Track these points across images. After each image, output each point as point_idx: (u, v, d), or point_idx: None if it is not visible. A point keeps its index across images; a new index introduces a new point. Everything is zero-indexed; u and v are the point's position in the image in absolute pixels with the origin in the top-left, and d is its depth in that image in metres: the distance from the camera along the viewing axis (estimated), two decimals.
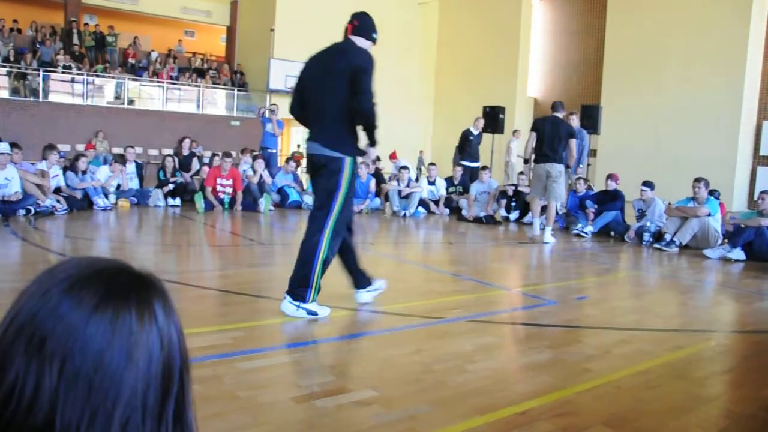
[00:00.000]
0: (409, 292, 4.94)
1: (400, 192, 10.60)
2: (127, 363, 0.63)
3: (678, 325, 4.32)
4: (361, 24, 3.91)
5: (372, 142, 3.89)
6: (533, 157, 8.22)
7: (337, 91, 3.71)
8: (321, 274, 3.75)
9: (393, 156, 13.68)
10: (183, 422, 0.68)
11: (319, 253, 3.72)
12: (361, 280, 4.15)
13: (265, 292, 4.50)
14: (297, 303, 3.71)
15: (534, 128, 8.13)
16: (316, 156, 3.83)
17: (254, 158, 10.78)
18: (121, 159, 9.84)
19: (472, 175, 11.31)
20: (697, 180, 7.96)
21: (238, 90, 22.00)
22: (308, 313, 3.71)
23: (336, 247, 3.86)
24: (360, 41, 3.88)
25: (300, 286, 3.72)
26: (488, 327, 3.90)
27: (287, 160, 11.40)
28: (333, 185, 3.76)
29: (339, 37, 3.94)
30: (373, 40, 3.94)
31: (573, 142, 8.13)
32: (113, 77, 19.54)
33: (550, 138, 7.92)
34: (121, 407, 0.62)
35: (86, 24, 21.33)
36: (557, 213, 9.10)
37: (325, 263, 3.77)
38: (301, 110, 3.99)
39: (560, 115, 8.20)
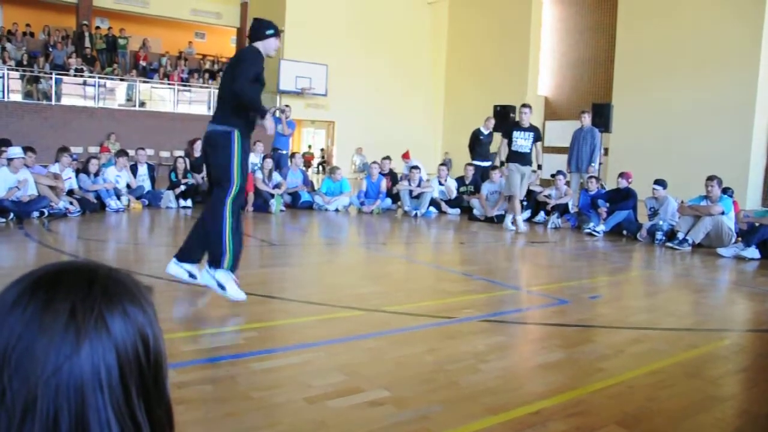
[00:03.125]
0: (421, 292, 4.94)
1: (411, 192, 10.59)
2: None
3: (691, 324, 4.29)
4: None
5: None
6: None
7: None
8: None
9: (406, 156, 13.65)
10: None
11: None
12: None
13: (278, 293, 4.52)
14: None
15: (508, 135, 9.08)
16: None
17: (264, 158, 10.81)
18: (124, 154, 9.85)
19: (483, 174, 11.28)
20: (710, 178, 7.89)
21: None
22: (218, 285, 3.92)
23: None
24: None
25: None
26: (500, 326, 3.90)
27: (292, 155, 11.42)
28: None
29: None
30: (268, 37, 4.21)
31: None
32: (125, 80, 19.68)
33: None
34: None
35: (97, 27, 21.48)
36: (569, 212, 9.97)
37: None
38: None
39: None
